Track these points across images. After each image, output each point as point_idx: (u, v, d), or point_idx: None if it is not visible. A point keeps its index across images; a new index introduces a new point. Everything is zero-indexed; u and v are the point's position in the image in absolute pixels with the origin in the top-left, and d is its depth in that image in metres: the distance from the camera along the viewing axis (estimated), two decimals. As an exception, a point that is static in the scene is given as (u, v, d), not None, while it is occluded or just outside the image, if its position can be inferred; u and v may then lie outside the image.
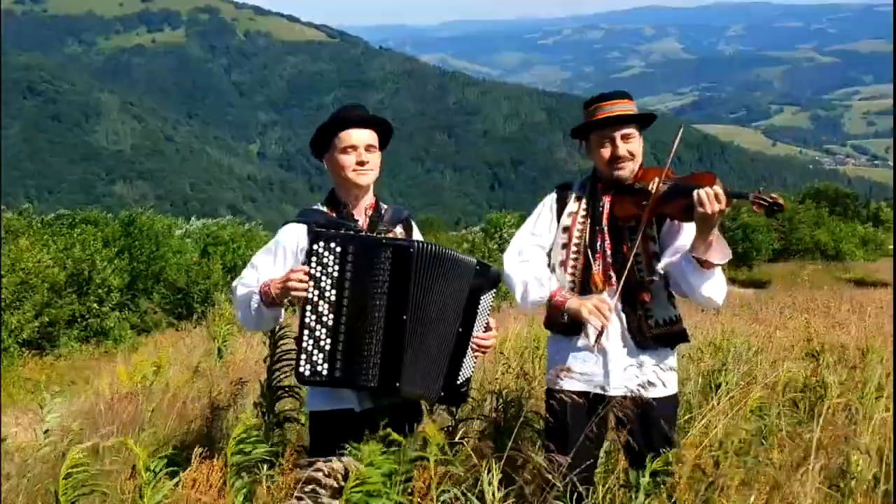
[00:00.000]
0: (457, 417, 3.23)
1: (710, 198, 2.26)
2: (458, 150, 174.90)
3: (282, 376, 2.99)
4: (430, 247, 2.27)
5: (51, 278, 14.64)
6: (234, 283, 2.44)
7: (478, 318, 2.40)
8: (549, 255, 2.61)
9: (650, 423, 2.41)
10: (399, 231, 2.52)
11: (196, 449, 2.17)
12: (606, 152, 2.51)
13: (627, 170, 2.51)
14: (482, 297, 2.40)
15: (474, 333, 2.40)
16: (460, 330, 2.35)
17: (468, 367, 2.43)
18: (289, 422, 2.98)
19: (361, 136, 2.40)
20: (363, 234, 2.36)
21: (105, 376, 7.38)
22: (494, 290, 2.48)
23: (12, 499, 2.94)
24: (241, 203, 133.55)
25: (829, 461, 2.56)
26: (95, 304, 15.74)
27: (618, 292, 2.44)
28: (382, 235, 2.38)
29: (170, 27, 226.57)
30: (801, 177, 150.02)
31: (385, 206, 2.55)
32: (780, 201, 2.24)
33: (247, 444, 2.27)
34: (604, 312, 2.38)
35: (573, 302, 2.44)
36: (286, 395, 2.95)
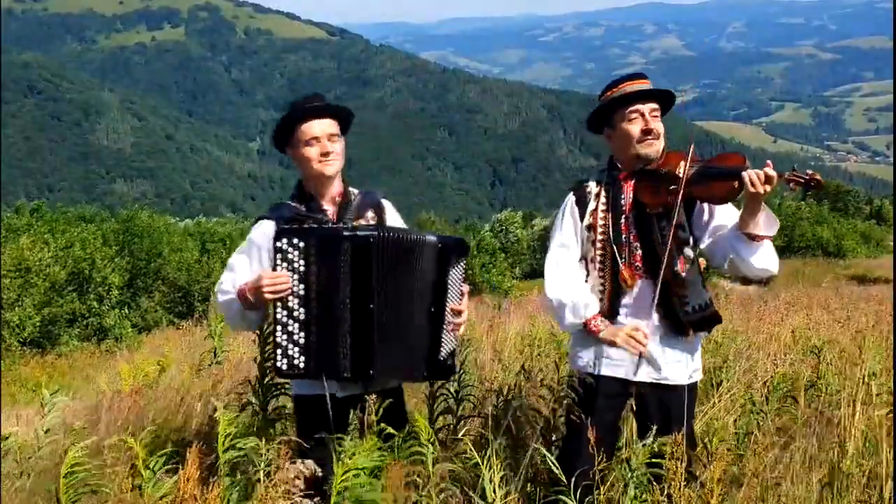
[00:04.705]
0: (458, 415, 3.23)
1: (762, 179, 2.26)
2: (459, 148, 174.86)
3: (273, 373, 2.98)
4: (391, 234, 2.30)
5: (52, 277, 14.66)
6: (215, 289, 2.46)
7: (448, 291, 2.40)
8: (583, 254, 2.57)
9: (670, 411, 2.40)
10: (370, 215, 2.51)
11: (194, 446, 2.16)
12: (636, 127, 2.44)
13: (656, 147, 2.46)
14: (450, 271, 2.40)
15: (448, 307, 2.40)
16: (432, 310, 2.36)
17: (449, 342, 2.44)
18: (283, 419, 2.97)
19: (323, 126, 2.40)
20: (326, 226, 2.37)
21: (106, 375, 7.38)
22: (464, 259, 2.48)
23: (13, 498, 2.94)
24: (242, 201, 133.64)
25: (806, 452, 2.56)
26: (95, 303, 15.76)
27: (657, 289, 2.40)
28: (347, 225, 2.38)
29: (170, 25, 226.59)
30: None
31: (355, 192, 2.54)
32: (818, 177, 2.22)
33: (237, 440, 2.26)
34: (639, 340, 2.38)
35: (607, 332, 2.44)
36: (279, 392, 2.93)
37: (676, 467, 2.11)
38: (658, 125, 2.46)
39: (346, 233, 2.30)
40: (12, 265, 13.99)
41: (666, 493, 2.12)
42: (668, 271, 2.40)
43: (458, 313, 2.44)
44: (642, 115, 2.44)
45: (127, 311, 17.09)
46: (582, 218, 2.54)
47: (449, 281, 2.39)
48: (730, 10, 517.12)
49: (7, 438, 3.35)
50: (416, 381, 2.49)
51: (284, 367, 2.30)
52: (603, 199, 2.51)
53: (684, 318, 2.44)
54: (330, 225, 2.38)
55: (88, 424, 4.23)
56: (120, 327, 15.84)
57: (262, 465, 2.17)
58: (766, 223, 2.35)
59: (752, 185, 2.26)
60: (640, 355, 2.40)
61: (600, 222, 2.50)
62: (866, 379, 3.34)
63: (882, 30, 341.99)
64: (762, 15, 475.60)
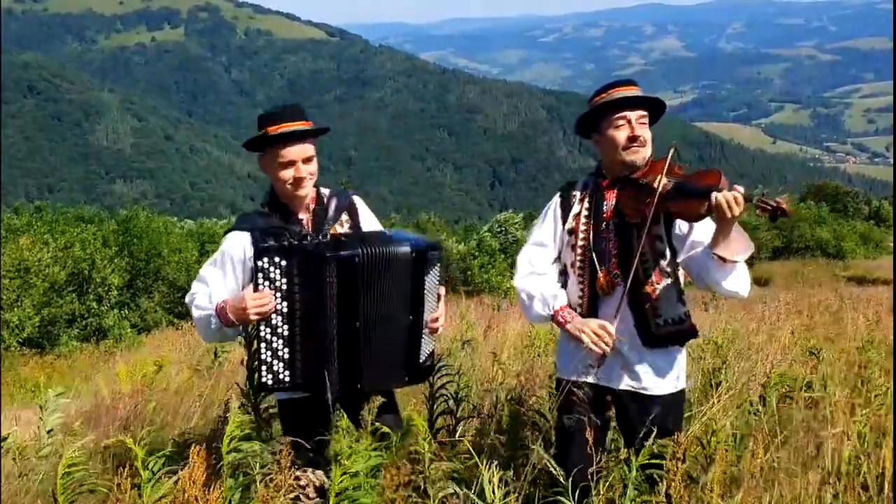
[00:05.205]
0: (457, 416, 3.24)
1: (730, 202, 2.20)
2: (459, 149, 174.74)
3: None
4: (372, 249, 2.27)
5: (51, 277, 14.65)
6: (187, 299, 2.43)
7: (425, 298, 2.39)
8: (559, 256, 2.59)
9: (654, 419, 2.38)
10: (345, 218, 2.51)
11: (194, 447, 2.16)
12: (622, 134, 2.43)
13: (641, 155, 2.44)
14: (426, 278, 2.38)
15: (425, 314, 2.40)
16: (411, 318, 2.36)
17: (427, 345, 2.46)
18: (276, 419, 2.97)
19: (300, 150, 2.38)
20: (306, 241, 2.33)
21: (105, 375, 7.38)
22: (438, 262, 2.45)
23: (13, 499, 2.94)
24: (242, 201, 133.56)
25: (807, 452, 2.56)
26: (94, 303, 15.75)
27: (623, 295, 2.40)
28: (326, 236, 2.37)
29: (169, 25, 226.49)
30: (802, 175, 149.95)
31: (327, 194, 2.53)
32: (785, 206, 2.17)
33: (241, 442, 2.26)
34: (604, 340, 2.37)
35: (573, 325, 2.44)
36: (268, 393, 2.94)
37: (676, 468, 2.09)
38: (645, 132, 2.44)
39: (328, 253, 2.26)
40: (12, 265, 13.99)
41: (665, 492, 2.12)
42: (640, 281, 2.39)
43: (434, 318, 2.44)
44: (629, 121, 2.42)
45: (126, 311, 17.09)
46: (564, 221, 2.55)
47: (426, 288, 2.38)
48: (729, 10, 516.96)
49: (6, 439, 3.36)
50: (398, 387, 2.50)
51: (270, 381, 2.30)
52: (586, 205, 2.51)
53: (655, 330, 2.43)
54: (308, 237, 2.35)
55: (87, 425, 4.24)
56: (119, 328, 15.83)
57: (258, 466, 2.17)
58: (737, 247, 2.28)
59: (720, 208, 2.22)
60: (603, 356, 2.39)
61: (581, 227, 2.50)
62: (865, 379, 3.34)
63: (882, 31, 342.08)
64: (762, 16, 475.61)
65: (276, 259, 2.26)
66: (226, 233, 2.47)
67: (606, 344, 2.36)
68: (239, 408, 2.42)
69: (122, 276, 17.03)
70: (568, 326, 2.45)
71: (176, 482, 2.17)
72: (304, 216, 2.45)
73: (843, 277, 21.67)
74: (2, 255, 14.00)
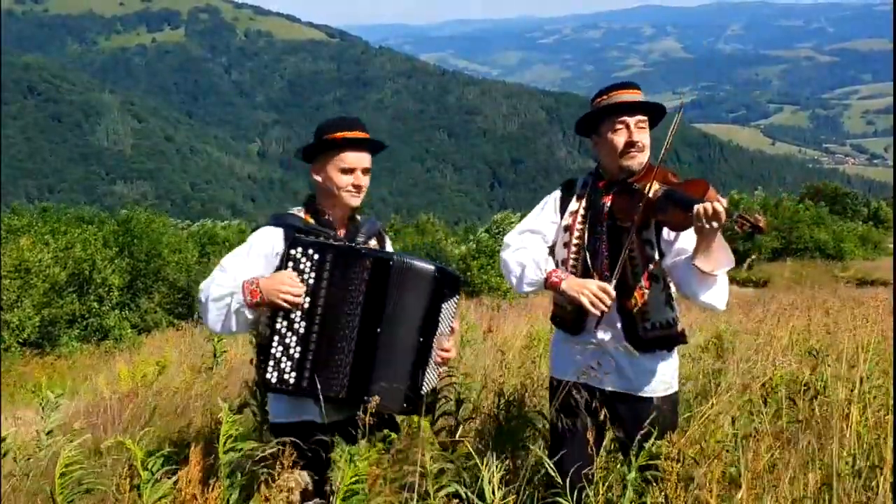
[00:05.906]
0: (458, 417, 3.24)
1: (709, 215, 2.18)
2: (458, 150, 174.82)
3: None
4: (406, 259, 2.27)
5: (52, 278, 14.65)
6: (202, 284, 2.33)
7: (440, 325, 2.36)
8: (551, 249, 2.59)
9: (644, 421, 2.37)
10: (373, 244, 2.50)
11: (193, 447, 2.15)
12: (621, 139, 2.42)
13: (638, 160, 2.44)
14: (444, 305, 2.35)
15: (436, 342, 2.36)
16: (421, 339, 2.32)
17: (431, 379, 2.41)
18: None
19: (361, 159, 2.38)
20: (342, 243, 2.32)
21: (105, 376, 7.38)
22: (457, 294, 2.44)
23: (13, 499, 2.94)
24: (242, 203, 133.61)
25: (812, 456, 2.57)
26: (95, 304, 15.76)
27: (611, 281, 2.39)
28: (361, 246, 2.35)
29: (170, 27, 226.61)
30: (801, 176, 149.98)
31: (360, 217, 2.53)
32: (761, 224, 2.17)
33: (238, 442, 2.25)
34: (604, 301, 2.35)
35: (569, 285, 2.40)
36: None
37: (672, 468, 2.09)
38: (643, 137, 2.44)
39: (364, 252, 2.25)
40: (12, 266, 13.99)
41: (663, 493, 2.10)
42: (628, 285, 2.40)
43: (445, 350, 2.41)
44: (628, 126, 2.42)
45: (127, 312, 17.10)
46: (562, 215, 2.56)
47: (441, 314, 2.35)
48: (728, 12, 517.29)
49: (6, 439, 3.36)
50: (394, 412, 2.40)
51: (274, 380, 2.25)
52: (584, 204, 2.52)
53: (642, 334, 2.44)
54: (343, 243, 2.33)
55: (87, 425, 4.24)
56: (120, 328, 15.84)
57: (259, 467, 2.15)
58: (718, 258, 2.26)
59: (698, 219, 2.19)
60: (602, 315, 2.37)
61: (577, 226, 2.51)
62: (865, 380, 3.34)
63: (880, 32, 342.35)
64: (760, 17, 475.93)
65: (310, 251, 2.24)
66: (255, 229, 2.43)
67: (605, 305, 2.34)
68: (230, 409, 2.38)
69: (122, 276, 17.03)
70: (563, 286, 2.41)
71: (175, 482, 2.16)
72: (340, 229, 2.43)
73: (843, 279, 21.67)
74: (2, 256, 14.00)
